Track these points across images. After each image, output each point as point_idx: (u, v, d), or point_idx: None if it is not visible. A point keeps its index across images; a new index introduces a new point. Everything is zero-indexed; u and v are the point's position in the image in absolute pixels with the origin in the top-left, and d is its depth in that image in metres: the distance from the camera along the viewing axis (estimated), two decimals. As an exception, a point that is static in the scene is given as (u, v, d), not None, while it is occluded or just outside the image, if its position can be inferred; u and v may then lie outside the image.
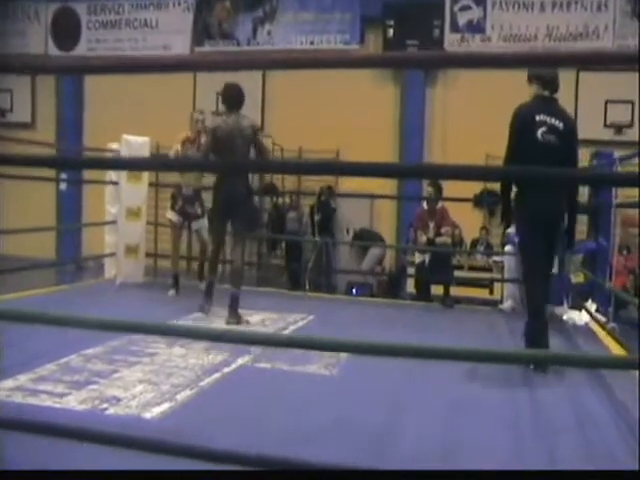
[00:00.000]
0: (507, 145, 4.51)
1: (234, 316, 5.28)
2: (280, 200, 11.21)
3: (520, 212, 4.56)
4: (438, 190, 7.22)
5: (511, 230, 7.35)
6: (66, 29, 12.38)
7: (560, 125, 4.46)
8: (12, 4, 12.59)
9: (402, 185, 10.64)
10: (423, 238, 7.21)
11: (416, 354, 2.29)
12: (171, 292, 6.62)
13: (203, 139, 6.07)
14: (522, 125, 4.45)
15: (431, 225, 7.17)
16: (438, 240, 7.16)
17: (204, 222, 6.66)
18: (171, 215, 6.68)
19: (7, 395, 3.30)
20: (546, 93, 4.54)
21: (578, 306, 6.28)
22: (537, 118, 4.44)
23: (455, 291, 7.33)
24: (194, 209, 6.66)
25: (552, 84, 4.57)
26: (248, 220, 5.64)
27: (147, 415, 3.15)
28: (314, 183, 10.57)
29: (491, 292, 8.92)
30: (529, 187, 4.30)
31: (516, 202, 4.57)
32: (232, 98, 5.46)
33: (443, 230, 7.17)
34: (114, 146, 6.89)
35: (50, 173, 8.14)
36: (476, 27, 10.46)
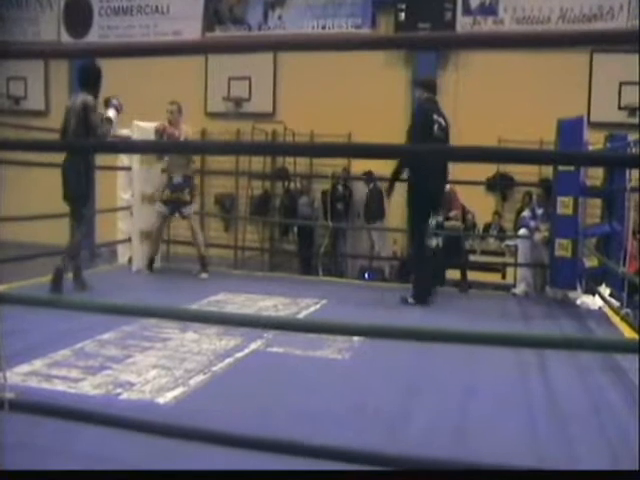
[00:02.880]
0: (408, 135, 5.46)
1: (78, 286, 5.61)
2: (292, 185, 11.21)
3: (415, 191, 5.55)
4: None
5: (526, 214, 7.32)
6: (78, 16, 12.39)
7: (444, 123, 5.60)
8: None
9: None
10: (432, 223, 7.17)
11: (429, 337, 2.29)
12: (203, 275, 6.80)
13: (172, 130, 6.54)
14: (425, 121, 5.46)
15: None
16: (447, 224, 7.12)
17: (193, 208, 6.86)
18: (157, 206, 6.86)
19: (23, 380, 3.34)
20: (431, 96, 5.63)
21: (591, 290, 6.24)
22: (434, 117, 5.52)
23: (468, 275, 7.31)
24: (183, 195, 6.74)
25: (434, 88, 5.72)
26: (73, 196, 5.59)
27: (160, 400, 3.18)
28: (325, 168, 10.55)
29: (504, 276, 8.89)
30: (423, 171, 5.43)
31: (412, 183, 5.60)
32: (80, 75, 5.62)
33: (452, 214, 7.13)
34: (125, 132, 6.89)
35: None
36: (488, 9, 10.35)
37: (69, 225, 5.88)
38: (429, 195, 5.64)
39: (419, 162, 5.34)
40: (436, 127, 5.54)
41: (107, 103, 5.62)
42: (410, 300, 5.75)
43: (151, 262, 6.98)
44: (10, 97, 12.67)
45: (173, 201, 6.75)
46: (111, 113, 5.58)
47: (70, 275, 5.63)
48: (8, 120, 10.85)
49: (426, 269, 5.94)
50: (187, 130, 6.71)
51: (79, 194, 5.52)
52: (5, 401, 2.19)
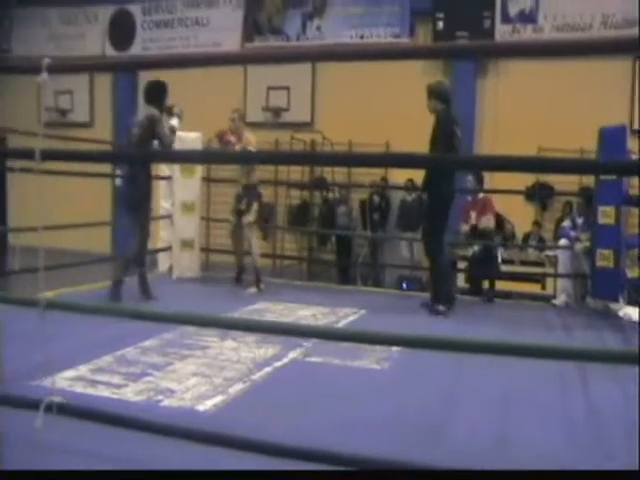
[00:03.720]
0: (436, 145, 5.58)
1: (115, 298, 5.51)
2: (330, 194, 11.24)
3: (438, 196, 5.74)
4: (479, 180, 7.14)
5: (566, 224, 7.23)
6: (122, 30, 12.72)
7: (459, 133, 5.82)
8: (75, 10, 13.06)
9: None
10: (465, 228, 7.15)
11: (467, 348, 2.29)
12: (251, 290, 6.65)
13: (229, 137, 6.54)
14: (450, 131, 5.70)
15: (473, 215, 7.09)
16: (479, 227, 7.05)
17: (248, 218, 6.71)
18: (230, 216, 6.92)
19: (69, 385, 3.44)
20: (445, 106, 5.76)
21: (634, 302, 6.13)
22: (454, 127, 5.76)
23: (507, 285, 7.24)
24: (241, 205, 6.74)
25: (449, 99, 5.82)
26: (132, 208, 5.69)
27: (200, 407, 3.23)
28: (364, 177, 10.57)
29: (543, 287, 8.77)
30: (444, 178, 5.68)
31: (433, 188, 5.74)
32: (145, 92, 5.83)
33: (483, 219, 7.05)
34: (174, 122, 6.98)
35: (106, 169, 8.34)
36: (528, 17, 10.26)
37: (128, 233, 5.93)
38: (446, 202, 5.82)
39: (437, 173, 5.61)
40: (455, 137, 5.75)
41: (170, 112, 5.83)
42: (441, 307, 5.77)
43: (238, 274, 7.05)
44: (58, 110, 13.00)
45: (237, 212, 6.77)
46: (175, 122, 5.84)
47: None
48: (57, 132, 11.13)
49: (448, 274, 6.29)
50: (250, 138, 6.62)
51: (141, 203, 5.67)
52: (54, 405, 2.26)
